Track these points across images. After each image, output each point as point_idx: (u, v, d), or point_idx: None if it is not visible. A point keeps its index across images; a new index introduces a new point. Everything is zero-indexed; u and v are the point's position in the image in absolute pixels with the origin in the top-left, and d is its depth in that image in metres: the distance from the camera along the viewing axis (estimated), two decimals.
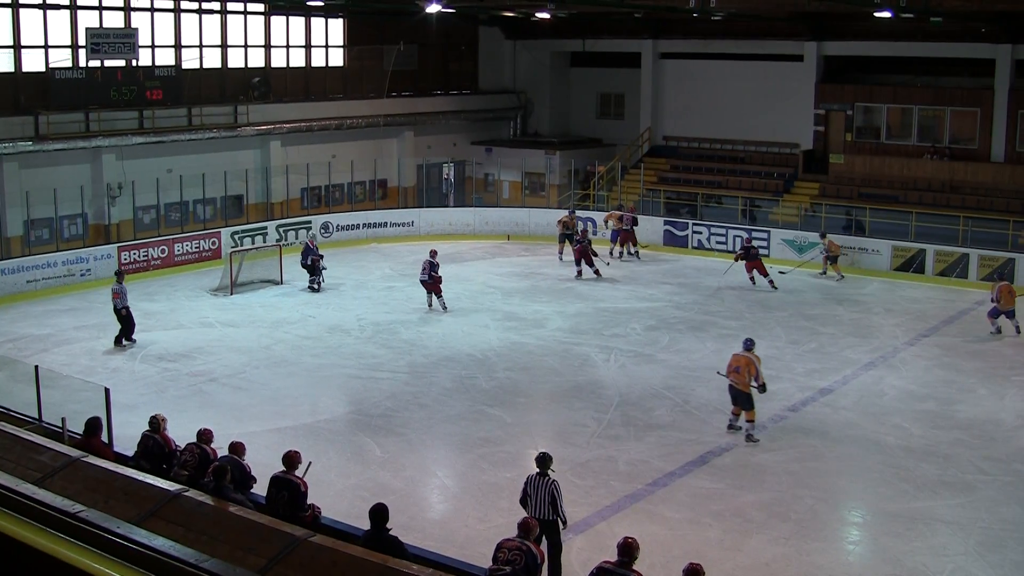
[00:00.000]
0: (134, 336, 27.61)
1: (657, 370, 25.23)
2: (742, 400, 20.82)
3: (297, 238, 39.46)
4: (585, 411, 22.32)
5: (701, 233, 39.78)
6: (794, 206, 40.85)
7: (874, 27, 39.96)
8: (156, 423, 15.72)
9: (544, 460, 14.61)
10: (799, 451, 20.24)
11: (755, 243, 35.43)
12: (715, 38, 45.92)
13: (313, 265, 33.61)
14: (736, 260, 34.87)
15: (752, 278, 34.14)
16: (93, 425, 15.17)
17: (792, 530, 16.72)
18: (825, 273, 35.83)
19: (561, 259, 37.99)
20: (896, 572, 15.55)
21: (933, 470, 19.30)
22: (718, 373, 21.89)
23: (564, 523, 14.72)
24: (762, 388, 20.83)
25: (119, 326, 27.54)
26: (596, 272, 35.26)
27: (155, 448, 15.44)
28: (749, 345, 21.44)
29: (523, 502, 14.53)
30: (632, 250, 38.81)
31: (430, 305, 30.97)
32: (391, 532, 12.16)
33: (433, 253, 31.30)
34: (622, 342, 27.73)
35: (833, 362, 26.07)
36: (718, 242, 39.17)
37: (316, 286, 33.52)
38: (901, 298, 33.01)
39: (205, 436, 15.21)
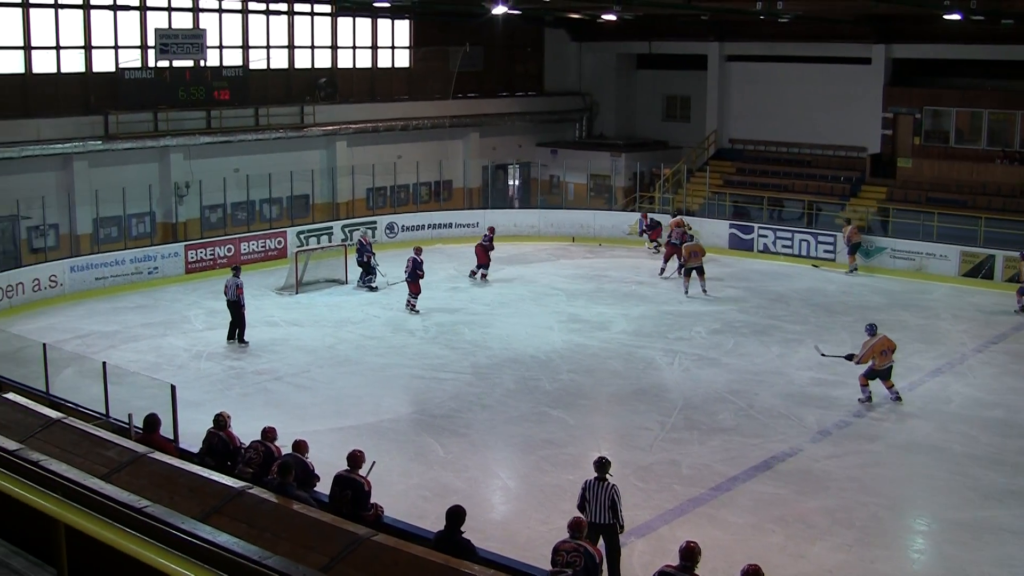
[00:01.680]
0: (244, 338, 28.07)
1: (721, 374, 25.12)
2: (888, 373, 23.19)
3: (371, 238, 39.71)
4: (648, 414, 22.27)
5: (767, 237, 39.53)
6: (861, 210, 40.49)
7: (943, 29, 39.47)
8: (222, 420, 15.86)
9: (603, 465, 14.57)
10: (863, 457, 20.08)
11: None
12: (782, 40, 45.59)
13: (367, 263, 33.75)
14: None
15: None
16: (151, 422, 15.34)
17: (856, 537, 16.59)
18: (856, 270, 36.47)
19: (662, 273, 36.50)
20: None
21: (1000, 479, 19.08)
22: (823, 354, 24.72)
23: (622, 527, 14.69)
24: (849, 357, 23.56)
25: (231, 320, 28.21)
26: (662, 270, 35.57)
27: (220, 445, 15.57)
28: (874, 329, 23.46)
29: (581, 507, 14.48)
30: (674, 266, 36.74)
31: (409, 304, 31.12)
32: (464, 535, 12.16)
33: (418, 251, 31.28)
34: (686, 345, 27.64)
35: (899, 368, 25.69)
36: (784, 246, 38.91)
37: (372, 285, 33.67)
38: (969, 304, 32.62)
39: (269, 434, 15.34)
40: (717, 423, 21.73)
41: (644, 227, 41.16)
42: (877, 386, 22.99)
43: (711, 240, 39.99)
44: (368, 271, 33.86)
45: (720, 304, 32.19)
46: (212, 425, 15.88)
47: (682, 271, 33.59)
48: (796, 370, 25.20)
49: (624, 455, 19.99)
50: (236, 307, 27.88)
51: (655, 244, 40.13)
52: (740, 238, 40.01)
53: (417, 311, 30.69)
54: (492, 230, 36.81)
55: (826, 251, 37.58)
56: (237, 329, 27.88)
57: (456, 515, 12.25)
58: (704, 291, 32.88)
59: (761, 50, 47.06)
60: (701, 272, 33.08)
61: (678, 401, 23.05)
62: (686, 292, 32.96)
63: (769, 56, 46.98)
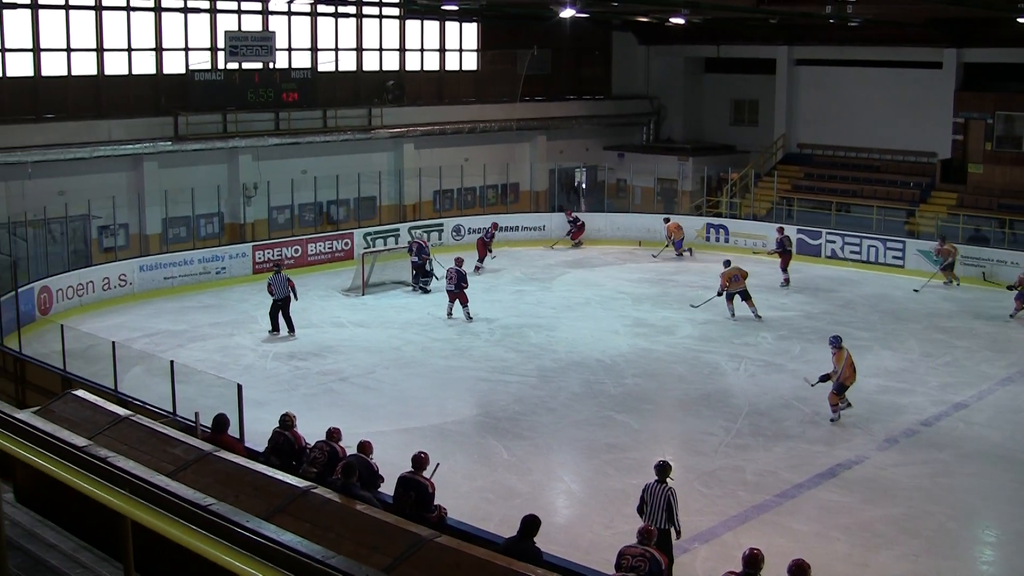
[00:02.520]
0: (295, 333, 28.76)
1: (787, 380, 24.95)
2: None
3: (428, 240, 39.83)
4: (713, 420, 22.17)
5: (835, 243, 39.21)
6: (931, 216, 40.08)
7: (1016, 33, 38.92)
8: (288, 420, 15.98)
9: (664, 468, 14.57)
10: (931, 466, 19.87)
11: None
12: (851, 44, 45.26)
13: (422, 266, 33.79)
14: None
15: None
16: (220, 422, 15.47)
17: (922, 547, 16.42)
18: (951, 282, 35.10)
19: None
20: None
21: None
22: (812, 384, 22.94)
23: (678, 533, 14.65)
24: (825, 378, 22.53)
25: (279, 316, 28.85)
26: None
27: (285, 445, 15.69)
28: (840, 340, 22.68)
29: (640, 510, 14.54)
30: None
31: (450, 314, 30.67)
32: (535, 545, 12.16)
33: (459, 262, 30.89)
34: (752, 351, 27.49)
35: (968, 376, 25.56)
36: (852, 252, 38.58)
37: (428, 288, 33.71)
38: None
39: (334, 435, 15.43)
40: (782, 429, 21.59)
41: (571, 226, 41.95)
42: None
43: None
44: (424, 274, 33.90)
45: (787, 310, 31.98)
46: (278, 425, 16.00)
47: (724, 296, 31.11)
48: (863, 377, 24.88)
49: (688, 460, 19.92)
50: (288, 303, 28.60)
51: (576, 244, 41.30)
52: (808, 243, 39.68)
53: (470, 318, 30.41)
54: (495, 226, 38.31)
55: (895, 257, 37.21)
56: (285, 321, 28.64)
57: (531, 524, 12.23)
58: (756, 315, 30.66)
59: (830, 54, 46.74)
60: (747, 296, 30.78)
61: (743, 407, 22.93)
62: (732, 315, 30.79)
63: (838, 60, 46.66)
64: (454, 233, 41.26)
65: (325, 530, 9.57)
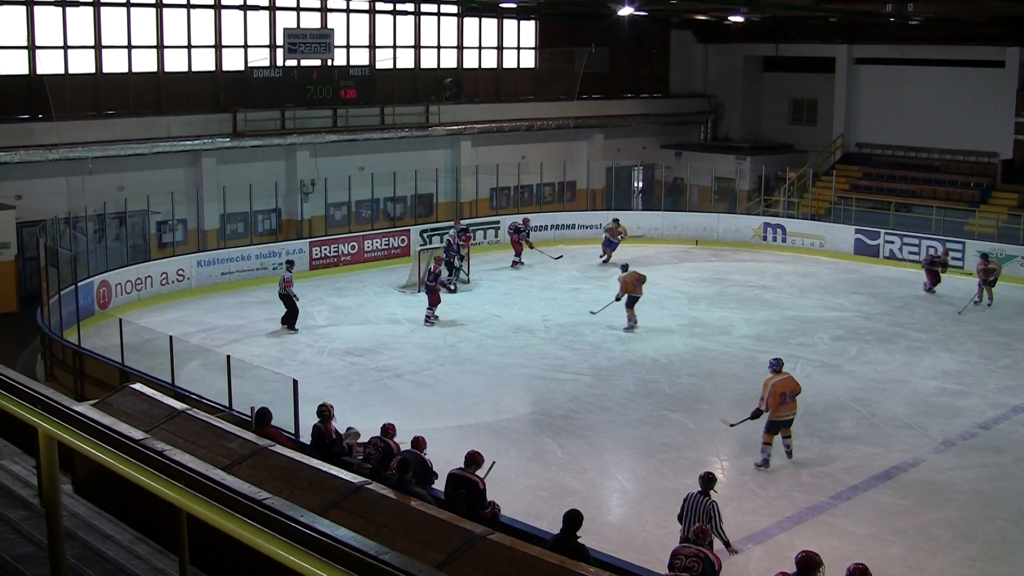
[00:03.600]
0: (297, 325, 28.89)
1: (843, 381, 24.79)
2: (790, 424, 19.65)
3: (484, 238, 39.93)
4: None
5: (893, 243, 38.91)
6: (991, 217, 39.67)
7: None
8: (324, 412, 16.06)
9: (709, 480, 14.49)
10: (989, 470, 19.66)
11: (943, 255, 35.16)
12: (912, 43, 44.91)
13: (449, 264, 33.79)
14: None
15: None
16: (263, 415, 15.55)
17: (979, 552, 16.26)
18: (980, 301, 32.10)
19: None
20: None
21: None
22: (731, 424, 20.23)
23: (726, 543, 14.62)
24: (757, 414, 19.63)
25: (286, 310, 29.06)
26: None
27: (316, 436, 15.82)
28: (780, 364, 19.99)
29: (680, 517, 14.51)
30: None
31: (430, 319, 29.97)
32: (580, 540, 12.15)
33: (438, 260, 30.77)
34: (809, 351, 27.32)
35: None
36: (911, 252, 38.25)
37: (451, 287, 33.52)
38: None
39: (389, 431, 15.48)
40: (839, 431, 21.45)
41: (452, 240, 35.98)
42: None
43: (837, 245, 39.58)
44: (449, 271, 33.81)
45: (844, 311, 31.77)
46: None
47: (624, 302, 29.47)
48: (921, 379, 24.77)
49: (744, 461, 19.83)
50: (286, 299, 28.78)
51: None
52: (866, 243, 39.40)
53: (432, 322, 29.76)
54: (527, 221, 38.51)
55: (954, 258, 36.88)
56: (290, 317, 28.84)
57: (573, 519, 12.23)
58: (632, 325, 29.28)
59: (890, 53, 46.42)
60: (633, 302, 29.47)
61: (799, 408, 22.76)
62: (633, 324, 29.30)
63: (898, 59, 46.35)
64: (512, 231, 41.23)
65: (379, 526, 9.61)
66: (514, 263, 37.08)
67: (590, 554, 12.10)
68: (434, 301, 29.82)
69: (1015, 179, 41.96)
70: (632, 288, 29.11)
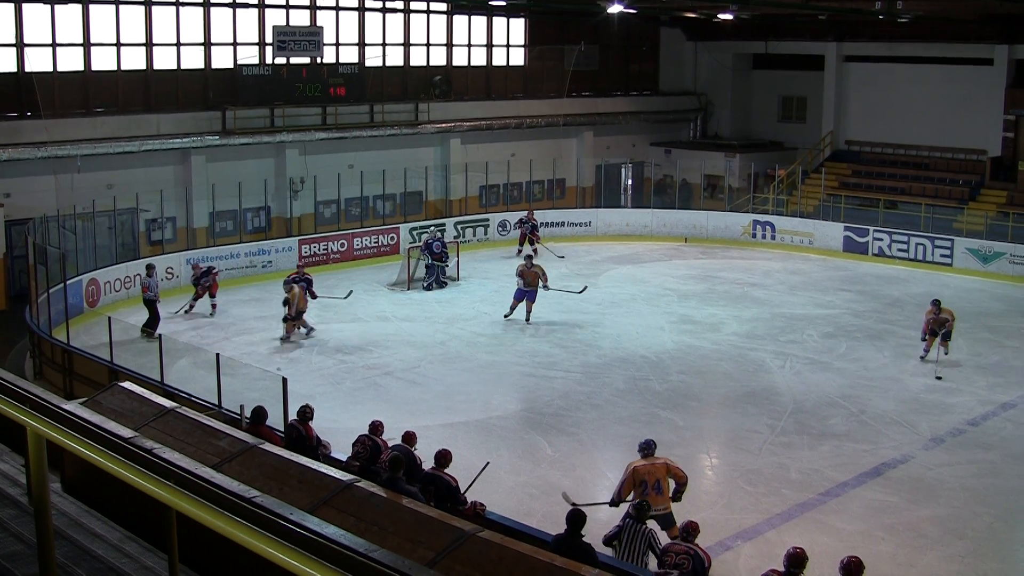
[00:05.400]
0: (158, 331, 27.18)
1: (833, 378, 24.83)
2: (670, 520, 15.07)
3: (474, 235, 39.92)
4: (758, 417, 22.08)
5: (882, 240, 38.96)
6: (980, 214, 39.75)
7: None
8: (304, 412, 15.93)
9: (641, 508, 13.41)
10: (978, 467, 19.70)
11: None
12: (901, 41, 45.00)
13: (430, 265, 33.74)
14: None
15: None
16: (259, 414, 15.52)
17: (968, 548, 16.30)
18: (927, 356, 26.19)
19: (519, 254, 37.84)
20: None
21: None
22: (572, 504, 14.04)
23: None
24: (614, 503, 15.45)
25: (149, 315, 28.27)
26: None
27: (296, 437, 15.65)
28: (650, 448, 15.55)
29: (608, 540, 13.34)
30: None
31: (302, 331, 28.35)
32: (584, 539, 12.14)
33: (300, 268, 30.11)
34: (798, 348, 27.37)
35: (1017, 376, 25.33)
36: (899, 250, 38.31)
37: (427, 285, 33.54)
38: None
39: (378, 428, 15.46)
40: (828, 428, 21.48)
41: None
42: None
43: (826, 243, 39.64)
44: (428, 271, 33.77)
45: (833, 308, 31.83)
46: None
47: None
48: (910, 376, 24.81)
49: (733, 457, 19.89)
50: (150, 304, 28.18)
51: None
52: (855, 241, 39.46)
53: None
54: (532, 213, 39.38)
55: (943, 255, 36.95)
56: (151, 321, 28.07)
57: (577, 519, 12.22)
58: (527, 319, 29.20)
59: (879, 51, 46.49)
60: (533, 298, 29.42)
61: (788, 405, 22.83)
62: (507, 315, 29.43)
63: (888, 57, 46.42)
64: (500, 228, 41.25)
65: (370, 524, 9.61)
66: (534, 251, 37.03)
67: (595, 554, 12.10)
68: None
69: (1004, 176, 42.04)
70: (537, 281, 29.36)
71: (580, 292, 30.35)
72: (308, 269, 30.97)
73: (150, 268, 28.99)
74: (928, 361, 25.64)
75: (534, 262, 29.52)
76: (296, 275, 29.16)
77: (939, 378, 24.44)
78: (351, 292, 31.78)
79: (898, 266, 37.57)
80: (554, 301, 31.38)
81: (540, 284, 29.32)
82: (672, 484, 15.10)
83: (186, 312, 30.14)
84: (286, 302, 27.54)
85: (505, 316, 29.02)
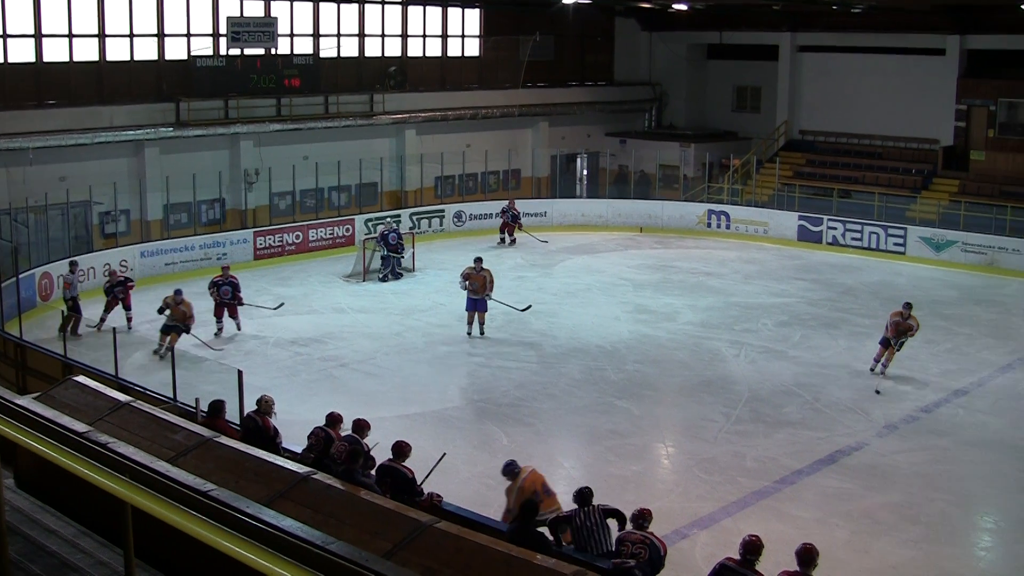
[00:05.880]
0: (80, 331, 27.12)
1: (788, 367, 24.98)
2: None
3: (430, 226, 39.90)
4: (714, 406, 22.19)
5: (836, 229, 39.18)
6: (932, 203, 40.02)
7: (1020, 20, 38.90)
8: (262, 405, 15.46)
9: (584, 495, 13.24)
10: (931, 453, 19.89)
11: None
12: (854, 31, 45.19)
13: (386, 257, 33.72)
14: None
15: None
16: (216, 407, 15.37)
17: (922, 533, 16.45)
18: (876, 367, 24.48)
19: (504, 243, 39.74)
20: None
21: None
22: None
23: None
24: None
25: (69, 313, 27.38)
26: None
27: (253, 429, 15.18)
28: (514, 466, 14.68)
29: (558, 536, 12.93)
30: None
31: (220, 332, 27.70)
32: (539, 529, 12.16)
33: (225, 269, 28.76)
34: (753, 337, 27.50)
35: (969, 363, 25.58)
36: (853, 238, 38.56)
37: (383, 276, 33.54)
38: None
39: (336, 420, 15.29)
40: (783, 416, 21.62)
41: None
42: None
43: (781, 232, 39.86)
44: (384, 263, 33.74)
45: (788, 296, 32.01)
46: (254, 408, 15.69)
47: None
48: (864, 364, 24.94)
49: (689, 446, 19.98)
50: (71, 301, 27.55)
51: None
52: (809, 230, 39.68)
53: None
54: (513, 203, 39.96)
55: (896, 244, 37.22)
56: (74, 320, 27.32)
57: (530, 507, 12.24)
58: (481, 331, 27.67)
59: (833, 41, 46.68)
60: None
61: (744, 393, 22.95)
62: (471, 333, 27.69)
63: (841, 47, 46.61)
64: (455, 219, 41.24)
65: (327, 516, 9.58)
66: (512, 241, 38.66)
67: (549, 543, 12.13)
68: (231, 311, 27.81)
69: (956, 166, 42.32)
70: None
71: (523, 310, 29.04)
72: (263, 261, 30.75)
73: (73, 265, 28.59)
74: (875, 374, 24.12)
75: (483, 266, 28.23)
76: (221, 278, 27.94)
77: (878, 392, 23.17)
78: (282, 304, 30.07)
79: (852, 255, 37.80)
80: (510, 290, 31.35)
81: (485, 293, 27.84)
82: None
83: (98, 329, 27.37)
84: (162, 309, 25.75)
85: (468, 334, 27.70)
